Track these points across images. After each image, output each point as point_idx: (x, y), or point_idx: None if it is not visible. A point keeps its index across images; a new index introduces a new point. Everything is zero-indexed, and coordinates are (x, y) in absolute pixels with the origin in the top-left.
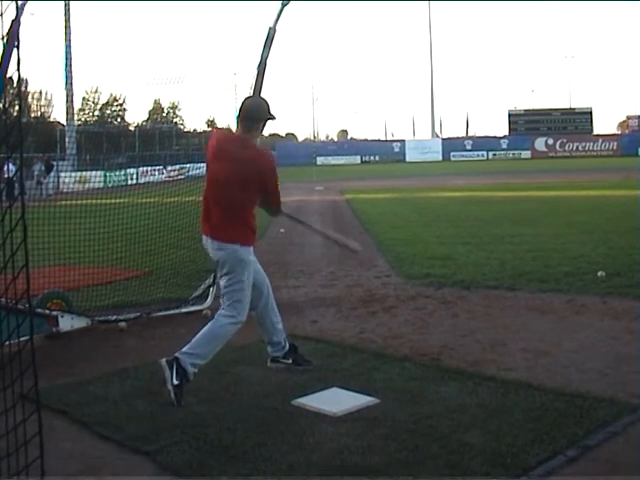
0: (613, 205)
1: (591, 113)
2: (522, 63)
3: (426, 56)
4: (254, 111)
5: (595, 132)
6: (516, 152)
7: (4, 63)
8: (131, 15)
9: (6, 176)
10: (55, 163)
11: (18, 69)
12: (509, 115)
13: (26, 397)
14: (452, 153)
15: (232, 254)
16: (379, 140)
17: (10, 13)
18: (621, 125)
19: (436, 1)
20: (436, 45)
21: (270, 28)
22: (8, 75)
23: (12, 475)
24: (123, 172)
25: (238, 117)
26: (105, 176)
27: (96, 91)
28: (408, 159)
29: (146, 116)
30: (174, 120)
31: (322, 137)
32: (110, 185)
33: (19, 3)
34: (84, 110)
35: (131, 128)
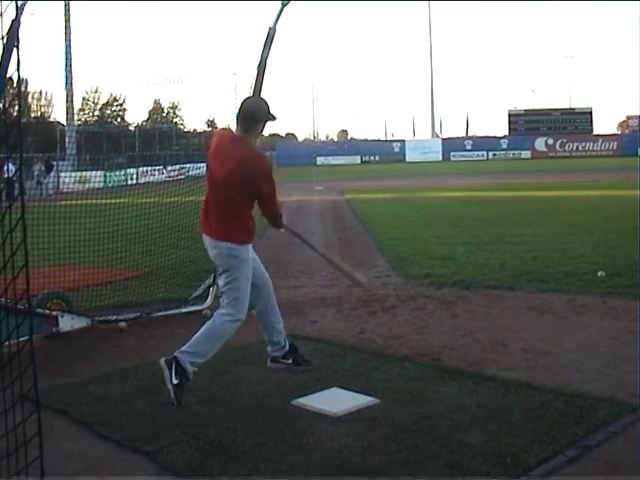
0: (613, 205)
1: (591, 113)
2: (522, 63)
3: (426, 56)
4: (254, 111)
5: (595, 132)
6: (516, 152)
7: (4, 63)
8: (131, 15)
9: (6, 176)
10: (55, 163)
11: (18, 69)
12: (509, 115)
13: (26, 397)
14: (452, 153)
15: (226, 252)
16: (379, 140)
17: (10, 13)
18: (621, 125)
19: (436, 1)
20: (436, 45)
21: (270, 28)
22: (8, 75)
23: (12, 475)
24: (123, 172)
25: (238, 117)
26: (105, 176)
27: (96, 91)
28: (408, 159)
29: (146, 116)
30: (174, 120)
31: (322, 137)
32: (110, 185)
33: (19, 3)
34: (84, 110)
35: (131, 128)
